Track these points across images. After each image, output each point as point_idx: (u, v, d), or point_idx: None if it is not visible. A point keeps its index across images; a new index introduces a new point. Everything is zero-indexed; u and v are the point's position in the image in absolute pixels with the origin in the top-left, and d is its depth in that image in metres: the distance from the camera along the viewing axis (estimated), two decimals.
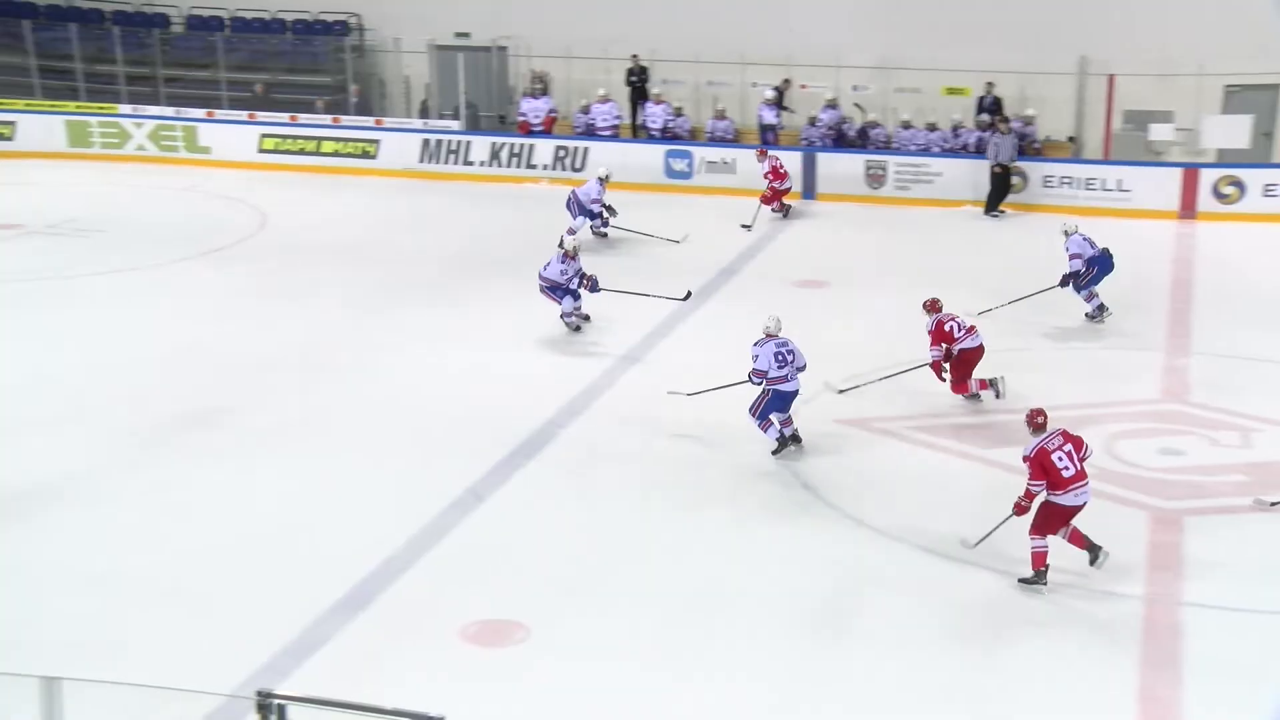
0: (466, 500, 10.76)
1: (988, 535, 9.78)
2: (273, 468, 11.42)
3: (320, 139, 24.04)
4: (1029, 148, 21.26)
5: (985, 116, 21.53)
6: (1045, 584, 9.36)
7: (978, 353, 12.59)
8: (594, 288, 14.83)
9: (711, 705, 8.14)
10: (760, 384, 11.63)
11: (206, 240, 18.90)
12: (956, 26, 21.78)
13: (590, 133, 23.13)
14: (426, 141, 23.51)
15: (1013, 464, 11.26)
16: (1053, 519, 9.39)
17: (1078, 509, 9.40)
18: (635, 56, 23.52)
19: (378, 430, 12.15)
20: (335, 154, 23.87)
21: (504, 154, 23.08)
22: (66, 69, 25.63)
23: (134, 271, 17.34)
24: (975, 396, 12.74)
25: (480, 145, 23.26)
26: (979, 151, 21.13)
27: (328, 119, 24.33)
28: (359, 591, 9.27)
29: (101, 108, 25.04)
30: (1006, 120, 20.85)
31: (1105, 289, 15.13)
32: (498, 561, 9.82)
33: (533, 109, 23.31)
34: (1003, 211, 20.53)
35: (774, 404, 11.63)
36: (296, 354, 14.11)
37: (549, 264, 14.79)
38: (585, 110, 23.30)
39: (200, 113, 24.81)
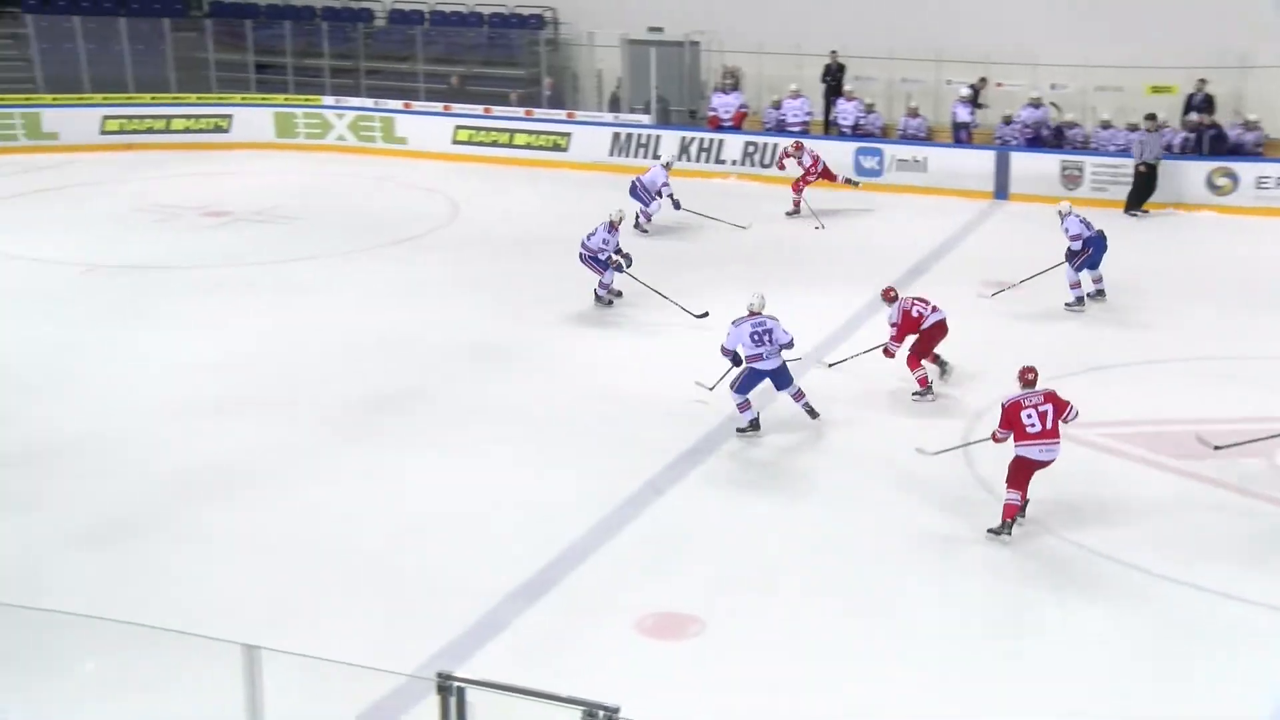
0: (645, 493, 10.86)
1: (950, 449, 10.79)
2: (461, 453, 11.69)
3: (513, 131, 24.46)
4: (1251, 149, 20.34)
5: (1194, 116, 20.72)
6: (1010, 535, 9.96)
7: (942, 328, 12.79)
8: (620, 267, 15.29)
9: (885, 704, 8.08)
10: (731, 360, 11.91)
11: (401, 229, 19.42)
12: (1165, 21, 20.98)
13: (781, 128, 23.03)
14: (617, 135, 23.72)
15: (1205, 474, 10.97)
16: (1022, 471, 10.01)
17: (1044, 463, 10.02)
18: (834, 53, 23.30)
19: (562, 420, 12.33)
20: (527, 146, 24.25)
21: (693, 149, 23.13)
22: (279, 64, 26.65)
23: (331, 258, 17.92)
24: (927, 389, 12.71)
25: (670, 139, 23.35)
26: (1184, 152, 20.40)
27: (520, 112, 24.73)
28: (539, 579, 9.43)
29: (307, 99, 25.95)
30: (1153, 117, 20.05)
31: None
32: (675, 555, 9.89)
33: (723, 104, 23.34)
34: (1145, 211, 19.85)
35: (751, 380, 11.82)
36: (487, 343, 14.40)
37: (594, 233, 15.32)
38: (776, 106, 23.20)
39: (398, 104, 25.49)
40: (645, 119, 23.90)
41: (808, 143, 20.79)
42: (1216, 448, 10.81)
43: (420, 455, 11.64)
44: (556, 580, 9.46)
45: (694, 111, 24.74)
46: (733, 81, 23.71)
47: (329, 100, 25.86)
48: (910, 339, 12.83)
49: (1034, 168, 21.05)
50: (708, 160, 22.97)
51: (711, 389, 12.41)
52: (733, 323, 11.97)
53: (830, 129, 23.29)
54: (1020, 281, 15.60)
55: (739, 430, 11.97)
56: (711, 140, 23.06)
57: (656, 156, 21.28)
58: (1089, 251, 15.34)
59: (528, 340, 14.56)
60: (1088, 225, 15.44)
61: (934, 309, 12.82)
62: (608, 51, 25.06)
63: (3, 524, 10.28)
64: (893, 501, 10.75)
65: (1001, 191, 21.14)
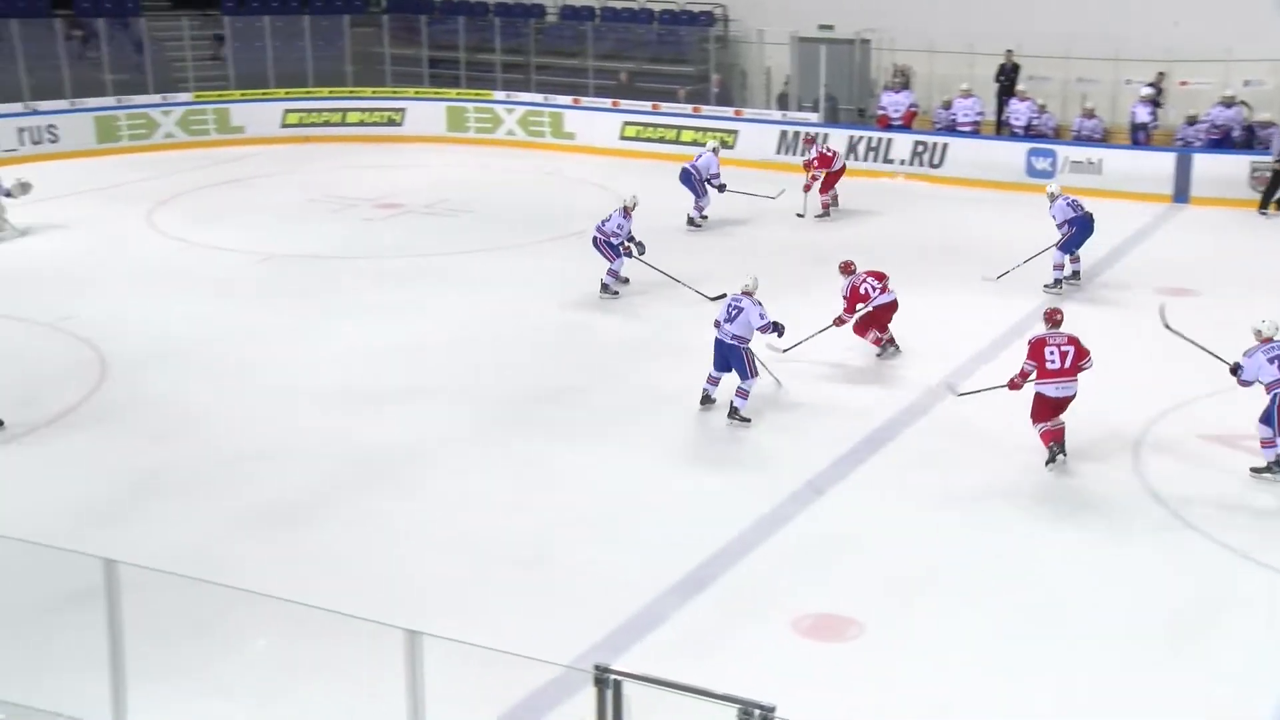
0: (805, 492, 10.79)
1: (977, 391, 11.54)
2: (620, 447, 11.78)
3: (680, 128, 24.49)
4: None
5: None
6: (1063, 453, 10.95)
7: (891, 307, 13.52)
8: (632, 254, 15.61)
9: (1051, 711, 7.93)
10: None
11: (566, 224, 19.57)
12: None
13: (951, 128, 22.65)
14: (784, 133, 23.60)
15: None
16: (1043, 408, 10.99)
17: (1064, 400, 10.94)
18: (1009, 52, 22.80)
19: (724, 417, 12.32)
20: (694, 143, 24.16)
21: (861, 147, 22.88)
22: (451, 59, 27.18)
23: (498, 251, 18.17)
24: (885, 348, 13.62)
25: (837, 138, 23.11)
26: None
27: (688, 108, 24.78)
28: (696, 575, 9.44)
29: (478, 94, 26.40)
30: None
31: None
32: (834, 555, 9.81)
33: (893, 103, 23.04)
34: None
35: (714, 351, 12.26)
36: (651, 339, 14.46)
37: (609, 218, 15.63)
38: (947, 106, 22.81)
39: (567, 99, 25.75)
40: (813, 117, 23.72)
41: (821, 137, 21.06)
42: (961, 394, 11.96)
43: (582, 448, 11.74)
44: (714, 577, 9.45)
45: (863, 110, 24.49)
46: (903, 80, 23.39)
47: (499, 95, 26.26)
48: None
49: (1219, 170, 20.30)
50: (875, 159, 22.71)
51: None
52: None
53: (1002, 129, 22.83)
54: (1024, 261, 15.98)
55: (700, 401, 12.36)
56: (879, 139, 22.80)
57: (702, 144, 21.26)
58: (1073, 231, 15.74)
59: (692, 337, 14.53)
60: (1075, 207, 15.86)
61: (883, 290, 13.43)
62: (777, 49, 24.95)
63: (176, 505, 10.67)
64: (1064, 512, 10.53)
65: (1182, 195, 20.44)
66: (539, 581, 9.45)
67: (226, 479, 11.10)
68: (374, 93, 26.79)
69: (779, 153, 23.46)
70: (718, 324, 12.25)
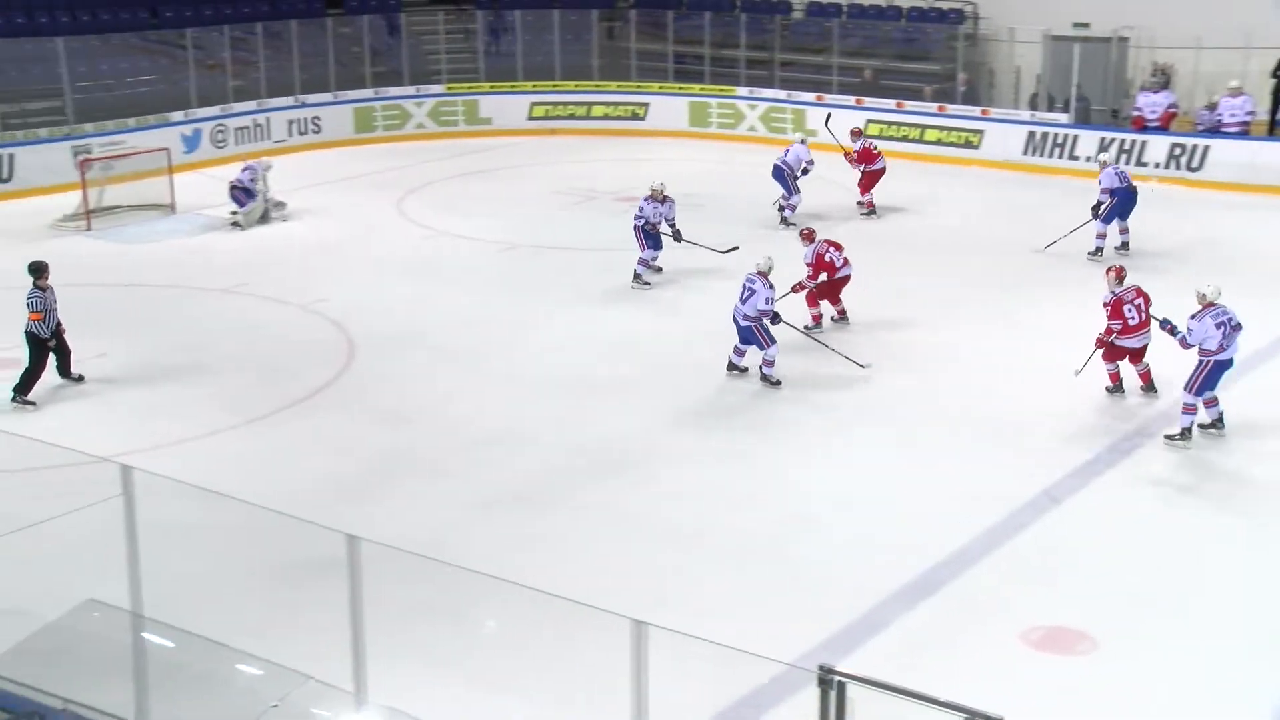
0: (1041, 501, 10.51)
1: (1085, 363, 12.10)
2: (846, 448, 11.71)
3: (924, 127, 24.07)
4: None
5: None
6: (1123, 393, 12.28)
7: (845, 281, 14.21)
8: (677, 239, 16.17)
9: None
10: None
11: (804, 222, 19.40)
12: None
13: (1215, 130, 21.54)
14: (1031, 134, 22.96)
15: None
16: (1116, 353, 12.20)
17: (1142, 349, 12.14)
18: None
19: (954, 420, 12.12)
20: (938, 142, 23.82)
21: (1113, 150, 22.04)
22: (696, 54, 27.34)
23: (742, 246, 18.15)
24: (818, 327, 14.09)
25: (1088, 140, 22.36)
26: None
27: (933, 107, 24.35)
28: (925, 579, 9.31)
29: (721, 90, 26.49)
30: None
31: None
32: (1069, 567, 9.55)
33: (1149, 103, 22.02)
34: None
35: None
36: (882, 340, 14.26)
37: (641, 207, 15.87)
38: (1211, 107, 21.70)
39: (810, 96, 25.60)
40: (1063, 118, 22.99)
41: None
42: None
43: (808, 448, 11.70)
44: (943, 583, 9.30)
45: (1116, 111, 23.58)
46: (1162, 80, 22.36)
47: (743, 91, 26.31)
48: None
49: None
50: (1128, 162, 21.75)
51: (864, 367, 12.82)
52: None
53: (1275, 130, 21.56)
54: (1070, 232, 16.86)
55: (727, 370, 13.03)
56: (1133, 142, 21.92)
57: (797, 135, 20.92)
58: (1114, 201, 16.61)
59: (924, 339, 14.31)
60: (1122, 178, 16.94)
61: (845, 261, 14.13)
62: (1028, 48, 24.25)
63: (415, 486, 11.05)
64: None
65: None
66: (765, 578, 9.44)
67: (463, 463, 11.44)
68: (619, 87, 27.18)
69: (1025, 154, 22.84)
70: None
